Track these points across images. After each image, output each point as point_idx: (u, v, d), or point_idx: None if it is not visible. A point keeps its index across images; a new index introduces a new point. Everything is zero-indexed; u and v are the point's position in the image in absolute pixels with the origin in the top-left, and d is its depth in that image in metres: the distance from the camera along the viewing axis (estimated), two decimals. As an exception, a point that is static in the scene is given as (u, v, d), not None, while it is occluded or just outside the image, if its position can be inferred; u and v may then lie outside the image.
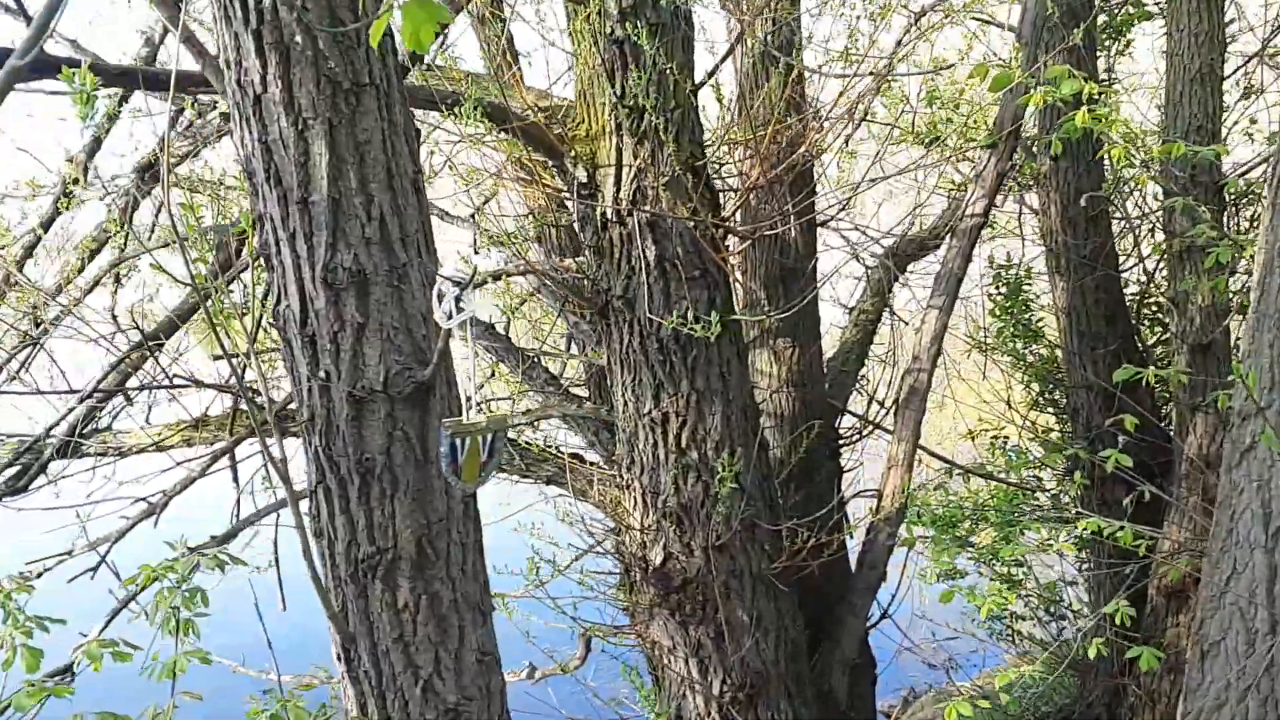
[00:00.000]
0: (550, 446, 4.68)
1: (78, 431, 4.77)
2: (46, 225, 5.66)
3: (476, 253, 5.06)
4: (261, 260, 2.28)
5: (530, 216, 4.85)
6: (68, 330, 4.96)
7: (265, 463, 2.21)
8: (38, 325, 5.28)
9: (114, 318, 4.69)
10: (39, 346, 5.27)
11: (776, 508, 4.13)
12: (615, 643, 4.19)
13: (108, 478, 4.82)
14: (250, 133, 2.22)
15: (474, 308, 1.93)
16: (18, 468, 4.86)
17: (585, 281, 3.89)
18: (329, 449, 2.28)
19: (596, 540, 4.08)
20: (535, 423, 4.50)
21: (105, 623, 3.27)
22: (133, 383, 4.83)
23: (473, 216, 5.06)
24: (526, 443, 4.57)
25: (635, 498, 4.00)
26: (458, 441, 2.00)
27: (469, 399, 2.05)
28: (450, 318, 1.92)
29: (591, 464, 4.45)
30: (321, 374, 2.25)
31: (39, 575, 4.39)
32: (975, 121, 5.68)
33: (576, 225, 3.86)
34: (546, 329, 5.39)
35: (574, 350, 5.45)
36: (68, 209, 6.02)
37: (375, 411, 2.25)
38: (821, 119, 4.23)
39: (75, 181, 5.93)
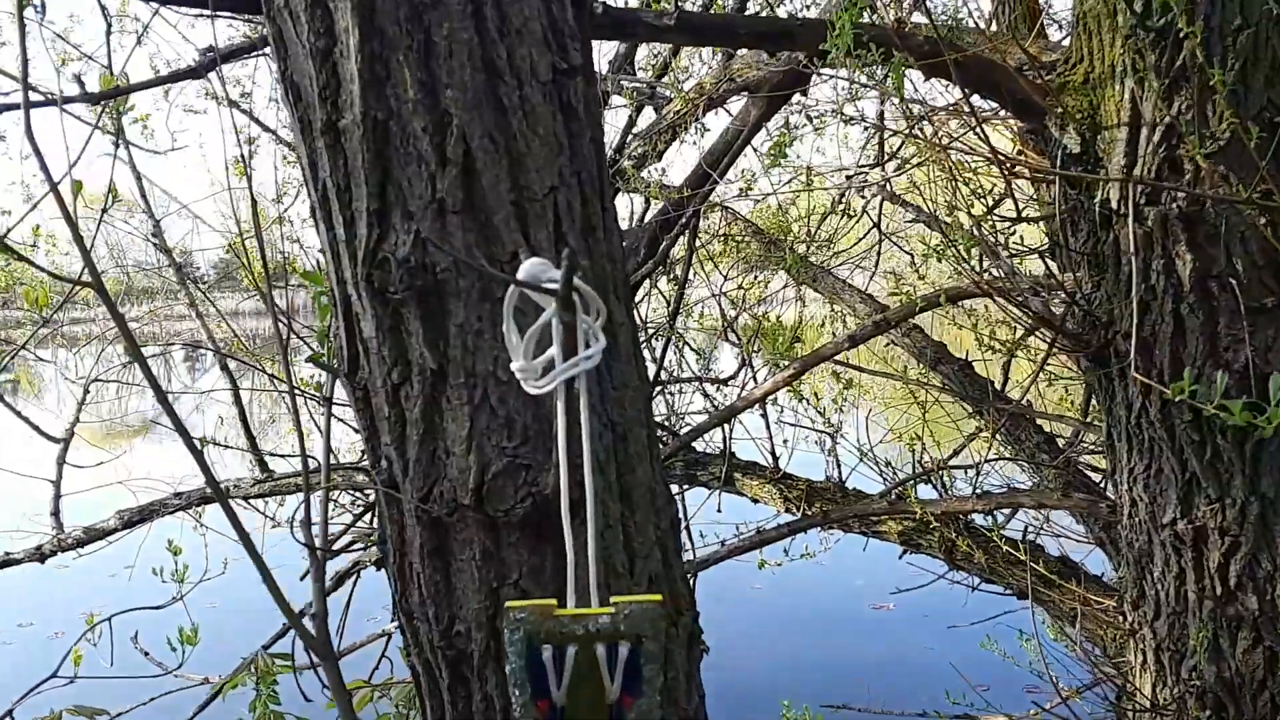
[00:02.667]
0: (1031, 536, 3.32)
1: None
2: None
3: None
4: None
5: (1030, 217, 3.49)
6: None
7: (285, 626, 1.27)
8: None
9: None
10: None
11: None
12: None
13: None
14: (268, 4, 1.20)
15: (597, 347, 0.84)
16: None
17: (1073, 309, 2.52)
18: (406, 602, 1.23)
19: (1062, 697, 2.67)
20: (994, 510, 3.16)
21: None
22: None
23: (976, 227, 3.80)
24: (995, 533, 3.26)
25: (1145, 652, 2.54)
26: (548, 656, 0.88)
27: (578, 585, 0.88)
28: (545, 372, 0.85)
29: (1083, 578, 3.02)
30: (382, 464, 1.20)
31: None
32: None
33: (1059, 221, 2.50)
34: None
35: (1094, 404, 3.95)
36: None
37: (466, 544, 1.15)
38: None
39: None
